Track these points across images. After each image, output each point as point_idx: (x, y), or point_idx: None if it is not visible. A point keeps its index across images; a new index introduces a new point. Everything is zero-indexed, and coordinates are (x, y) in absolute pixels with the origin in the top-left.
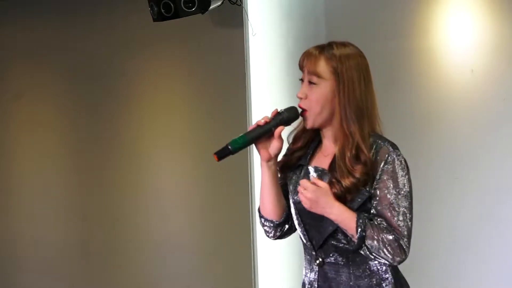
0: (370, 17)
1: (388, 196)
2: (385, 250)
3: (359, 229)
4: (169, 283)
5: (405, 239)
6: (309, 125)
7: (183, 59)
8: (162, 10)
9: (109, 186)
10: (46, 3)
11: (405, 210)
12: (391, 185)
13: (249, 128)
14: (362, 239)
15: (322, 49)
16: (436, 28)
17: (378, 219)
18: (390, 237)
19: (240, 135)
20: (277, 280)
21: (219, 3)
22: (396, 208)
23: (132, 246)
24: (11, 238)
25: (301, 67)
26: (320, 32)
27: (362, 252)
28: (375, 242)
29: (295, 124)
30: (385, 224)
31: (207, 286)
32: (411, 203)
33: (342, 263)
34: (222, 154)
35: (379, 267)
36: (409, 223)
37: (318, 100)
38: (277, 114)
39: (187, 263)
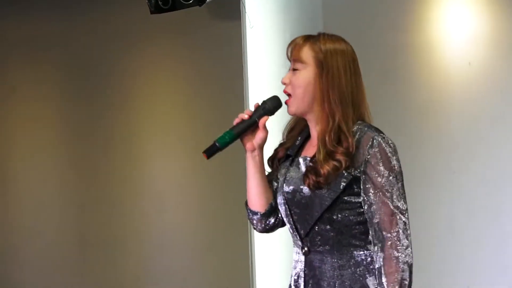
0: (367, 10)
1: (379, 179)
2: (399, 271)
3: None
4: (166, 276)
5: (403, 226)
6: (292, 111)
7: (181, 51)
8: (160, 3)
9: (106, 180)
10: None
11: (398, 191)
12: (381, 168)
13: (234, 122)
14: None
15: (308, 38)
16: (434, 21)
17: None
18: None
19: (226, 130)
20: (275, 274)
21: None
22: (390, 190)
23: (129, 239)
24: (9, 230)
25: (288, 57)
26: (317, 24)
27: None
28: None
29: (287, 118)
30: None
31: (204, 279)
32: (403, 184)
33: (326, 251)
34: (210, 151)
35: (363, 258)
36: (404, 203)
37: (300, 85)
38: (259, 105)
39: (184, 257)
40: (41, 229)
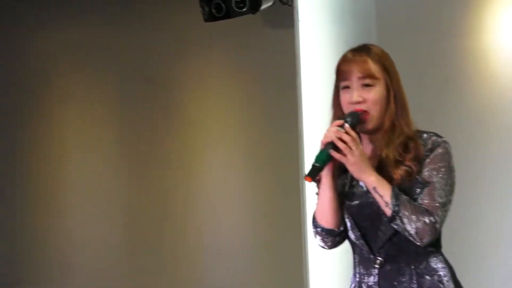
0: (421, 18)
1: (429, 177)
2: (415, 226)
3: (394, 199)
4: (220, 282)
5: (438, 219)
6: (370, 127)
7: (234, 59)
8: (213, 11)
9: (159, 185)
10: (96, 3)
11: (443, 192)
12: (434, 167)
13: (324, 141)
14: (397, 207)
15: (362, 51)
16: (489, 27)
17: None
18: (425, 218)
19: (320, 150)
20: (329, 280)
21: (270, 3)
22: (436, 191)
23: (182, 246)
24: (59, 233)
25: (345, 74)
26: (371, 34)
27: (394, 225)
28: (408, 215)
29: None
30: (422, 206)
31: (258, 286)
32: (451, 189)
33: (404, 261)
34: (313, 173)
35: (438, 264)
36: (446, 204)
37: (378, 100)
38: (344, 123)
39: (239, 263)
40: (92, 233)
